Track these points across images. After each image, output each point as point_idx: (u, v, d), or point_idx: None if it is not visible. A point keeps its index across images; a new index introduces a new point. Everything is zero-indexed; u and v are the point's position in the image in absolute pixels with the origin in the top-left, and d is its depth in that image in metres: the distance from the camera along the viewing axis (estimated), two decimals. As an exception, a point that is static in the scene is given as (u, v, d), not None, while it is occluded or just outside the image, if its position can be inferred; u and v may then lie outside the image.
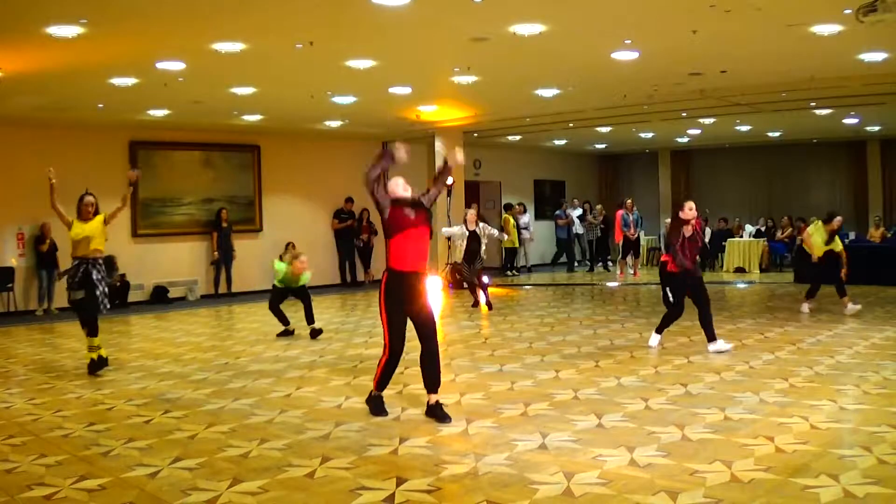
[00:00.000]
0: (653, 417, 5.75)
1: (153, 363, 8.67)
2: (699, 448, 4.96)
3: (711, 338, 8.36)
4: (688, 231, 8.31)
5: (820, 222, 11.41)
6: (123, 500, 4.35)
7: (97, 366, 8.07)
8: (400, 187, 5.97)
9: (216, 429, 5.78)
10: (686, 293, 8.49)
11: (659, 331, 8.77)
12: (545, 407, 6.15)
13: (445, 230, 13.84)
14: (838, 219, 11.24)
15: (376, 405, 6.11)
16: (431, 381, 5.91)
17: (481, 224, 13.06)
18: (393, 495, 4.27)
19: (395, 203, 5.88)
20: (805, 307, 11.46)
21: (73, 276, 8.12)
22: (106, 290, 8.26)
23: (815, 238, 11.25)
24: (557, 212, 21.01)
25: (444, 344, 9.57)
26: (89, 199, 8.24)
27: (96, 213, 8.25)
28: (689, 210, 8.33)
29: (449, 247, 13.02)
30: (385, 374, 6.04)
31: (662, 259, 8.75)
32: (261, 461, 4.97)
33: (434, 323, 5.94)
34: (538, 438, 5.26)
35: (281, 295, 10.43)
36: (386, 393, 6.17)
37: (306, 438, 5.48)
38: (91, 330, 8.10)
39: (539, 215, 22.36)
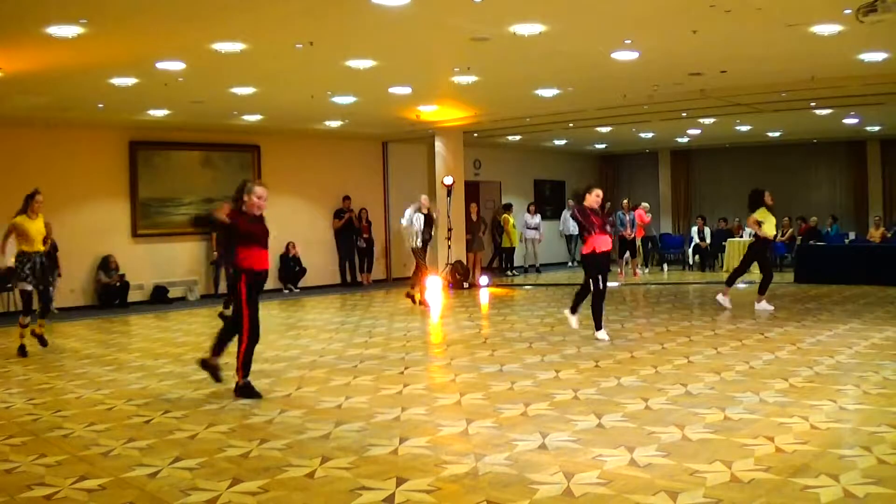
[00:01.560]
0: (653, 417, 5.74)
1: (153, 363, 8.67)
2: (699, 448, 4.95)
3: (598, 326, 9.25)
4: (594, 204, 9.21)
5: (763, 209, 11.44)
6: (123, 500, 4.35)
7: (25, 351, 9.19)
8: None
9: (216, 429, 5.78)
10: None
11: (574, 310, 9.52)
12: (545, 407, 6.15)
13: (405, 220, 13.11)
14: (768, 193, 11.63)
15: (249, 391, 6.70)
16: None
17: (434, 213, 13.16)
18: (393, 495, 4.27)
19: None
20: (765, 304, 11.51)
21: (33, 270, 9.24)
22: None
23: (767, 223, 11.41)
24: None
25: (443, 343, 9.59)
26: (40, 197, 9.27)
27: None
28: (597, 196, 9.28)
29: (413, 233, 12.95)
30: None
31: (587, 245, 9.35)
32: (261, 461, 4.96)
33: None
34: (538, 438, 5.26)
35: None
36: (386, 393, 6.17)
37: (306, 438, 5.47)
38: (45, 311, 9.45)
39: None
